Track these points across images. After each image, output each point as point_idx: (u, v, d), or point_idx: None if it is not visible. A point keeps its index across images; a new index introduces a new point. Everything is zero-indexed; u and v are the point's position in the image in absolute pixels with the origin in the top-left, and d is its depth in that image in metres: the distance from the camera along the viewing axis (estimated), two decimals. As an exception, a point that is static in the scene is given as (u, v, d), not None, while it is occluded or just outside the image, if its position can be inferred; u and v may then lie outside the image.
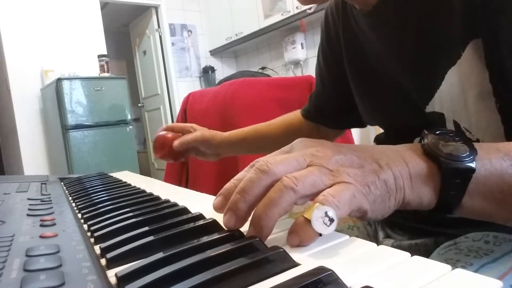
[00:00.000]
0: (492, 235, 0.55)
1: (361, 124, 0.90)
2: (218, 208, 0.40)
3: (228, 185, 0.40)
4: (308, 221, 0.32)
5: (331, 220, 0.32)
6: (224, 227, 0.38)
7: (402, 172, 0.37)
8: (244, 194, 0.36)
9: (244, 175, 0.39)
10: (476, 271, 0.48)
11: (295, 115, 1.01)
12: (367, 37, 0.67)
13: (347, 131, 1.75)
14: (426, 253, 0.61)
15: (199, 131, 0.98)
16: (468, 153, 0.37)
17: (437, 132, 0.40)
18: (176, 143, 0.95)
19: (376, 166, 0.37)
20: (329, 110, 0.91)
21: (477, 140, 0.53)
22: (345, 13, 0.73)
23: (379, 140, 0.77)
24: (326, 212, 0.32)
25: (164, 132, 0.99)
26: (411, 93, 0.61)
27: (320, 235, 0.33)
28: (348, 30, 0.73)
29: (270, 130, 1.01)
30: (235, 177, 0.40)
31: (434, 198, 0.37)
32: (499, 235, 0.55)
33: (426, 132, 0.40)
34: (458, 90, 0.53)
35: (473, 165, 0.36)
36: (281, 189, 0.34)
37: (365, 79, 0.72)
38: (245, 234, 0.36)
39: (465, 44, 0.50)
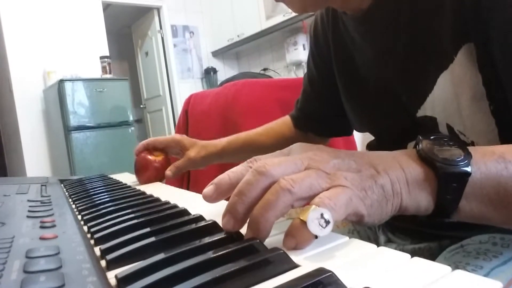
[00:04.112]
0: (499, 236, 0.55)
1: (347, 132, 0.91)
2: (207, 196, 0.39)
3: (222, 176, 0.40)
4: (304, 223, 0.32)
5: (327, 222, 0.32)
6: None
7: (399, 178, 0.37)
8: (242, 196, 0.36)
9: (240, 171, 0.39)
10: (487, 274, 0.48)
11: (285, 123, 1.01)
12: (357, 42, 0.67)
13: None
14: (430, 258, 0.61)
15: (187, 155, 0.93)
16: (463, 157, 0.37)
17: (432, 137, 0.40)
18: (169, 173, 0.89)
19: (373, 171, 0.36)
20: (317, 116, 0.91)
21: (472, 143, 0.53)
22: (335, 19, 0.72)
23: (371, 147, 0.77)
24: (322, 214, 0.32)
25: (144, 154, 0.90)
26: (402, 98, 0.61)
27: (316, 237, 0.33)
28: (338, 35, 0.72)
29: (262, 141, 1.00)
30: (231, 170, 0.40)
31: (431, 203, 0.37)
32: (505, 237, 0.54)
33: (420, 137, 0.40)
34: (451, 94, 0.53)
35: (468, 169, 0.36)
36: (278, 191, 0.34)
37: (355, 85, 0.72)
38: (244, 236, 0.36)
39: (458, 48, 0.50)
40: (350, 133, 0.92)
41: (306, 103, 0.92)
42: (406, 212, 0.38)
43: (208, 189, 0.40)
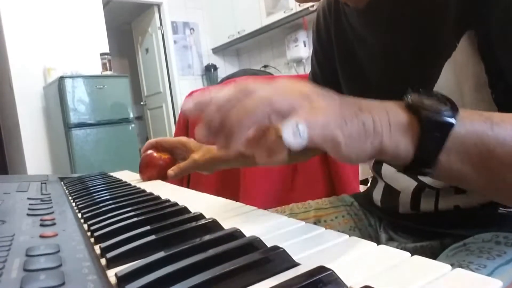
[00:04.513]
0: (502, 235, 0.54)
1: None
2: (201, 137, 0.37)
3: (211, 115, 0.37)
4: (279, 136, 0.32)
5: (302, 133, 0.31)
6: (224, 227, 0.38)
7: (381, 118, 0.36)
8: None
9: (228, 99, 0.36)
10: (490, 273, 0.47)
11: None
12: (360, 35, 0.66)
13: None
14: (432, 256, 0.61)
15: (192, 157, 0.91)
16: (449, 109, 0.37)
17: (422, 90, 0.39)
18: (171, 173, 0.88)
19: (357, 108, 0.36)
20: None
21: None
22: (337, 13, 0.72)
23: None
24: (297, 124, 0.31)
25: (150, 152, 0.91)
26: (406, 89, 0.60)
27: (290, 151, 0.32)
28: (340, 30, 0.72)
29: None
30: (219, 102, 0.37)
31: (411, 150, 0.37)
32: (509, 235, 0.54)
33: (410, 89, 0.40)
34: (453, 82, 0.53)
35: (452, 120, 0.36)
36: (257, 100, 0.34)
37: (357, 78, 0.72)
38: (245, 234, 0.36)
39: (460, 35, 0.50)
40: None
41: None
42: (385, 155, 0.37)
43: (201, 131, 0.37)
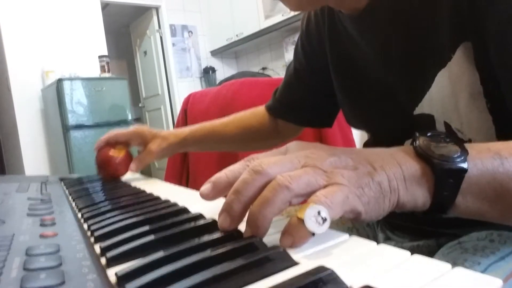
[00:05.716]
0: (496, 233, 0.55)
1: (328, 124, 0.92)
2: (204, 194, 0.40)
3: (219, 174, 0.40)
4: (301, 221, 0.32)
5: (324, 220, 0.32)
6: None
7: (396, 174, 0.37)
8: (238, 195, 0.36)
9: (237, 169, 0.39)
10: (484, 270, 0.48)
11: (254, 114, 1.01)
12: (355, 41, 0.67)
13: (348, 133, 1.76)
14: (429, 255, 0.61)
15: (149, 149, 0.93)
16: (459, 154, 0.37)
17: (429, 134, 0.40)
18: (133, 167, 0.89)
19: (370, 168, 0.37)
20: (298, 106, 0.91)
21: (469, 140, 0.54)
22: (332, 16, 0.72)
23: (367, 146, 0.77)
24: (319, 211, 0.32)
25: (106, 149, 0.88)
26: (399, 96, 0.61)
27: (313, 235, 0.33)
28: (334, 33, 0.72)
29: (227, 132, 1.01)
30: (228, 168, 0.40)
31: (428, 199, 0.38)
32: (503, 233, 0.55)
33: (417, 134, 0.40)
34: (448, 91, 0.53)
35: (465, 165, 0.36)
36: (275, 188, 0.34)
37: (352, 83, 0.72)
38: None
39: (455, 46, 0.51)
40: (330, 125, 0.92)
41: (288, 93, 0.93)
42: (404, 208, 0.38)
43: (205, 187, 0.40)
